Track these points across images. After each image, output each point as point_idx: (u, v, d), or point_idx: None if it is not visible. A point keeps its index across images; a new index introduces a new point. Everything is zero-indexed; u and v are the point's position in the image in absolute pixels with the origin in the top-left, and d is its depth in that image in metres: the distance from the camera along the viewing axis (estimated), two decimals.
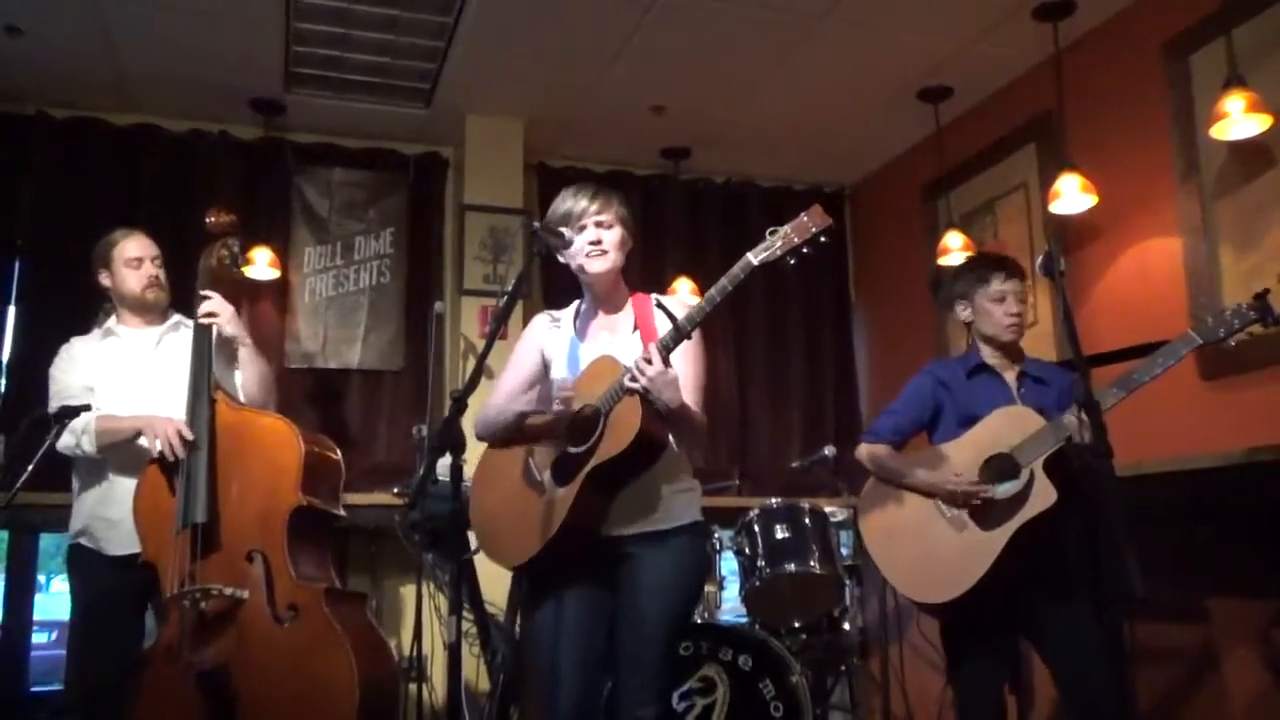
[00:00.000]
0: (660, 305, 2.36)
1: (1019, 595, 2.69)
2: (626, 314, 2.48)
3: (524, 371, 2.54)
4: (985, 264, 2.92)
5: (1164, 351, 2.52)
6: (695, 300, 2.25)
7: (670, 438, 2.34)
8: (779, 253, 2.11)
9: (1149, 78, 3.62)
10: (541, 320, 2.60)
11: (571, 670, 2.32)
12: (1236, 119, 3.10)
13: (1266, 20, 3.23)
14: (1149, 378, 2.52)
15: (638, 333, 2.41)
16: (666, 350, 2.19)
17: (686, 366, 2.34)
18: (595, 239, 2.41)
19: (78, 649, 3.12)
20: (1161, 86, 3.57)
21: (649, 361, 2.16)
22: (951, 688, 2.86)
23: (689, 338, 2.20)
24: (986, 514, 2.69)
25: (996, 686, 2.78)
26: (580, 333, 2.50)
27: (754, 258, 2.13)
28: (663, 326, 2.34)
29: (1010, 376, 2.86)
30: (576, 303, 2.58)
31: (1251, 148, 3.23)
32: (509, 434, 2.46)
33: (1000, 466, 2.70)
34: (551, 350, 2.52)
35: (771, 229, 2.13)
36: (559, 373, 2.46)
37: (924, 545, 2.79)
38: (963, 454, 2.77)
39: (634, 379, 2.17)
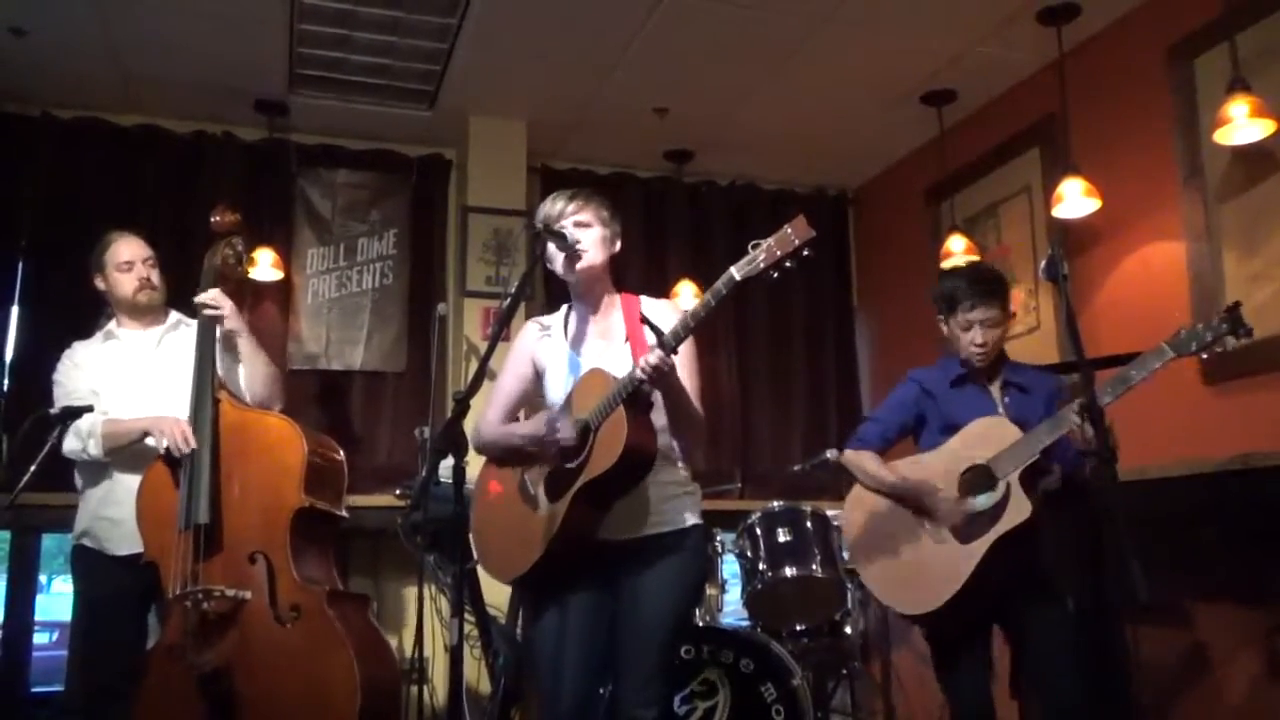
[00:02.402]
0: (645, 320, 2.31)
1: (999, 597, 2.71)
2: (617, 321, 2.48)
3: (517, 383, 2.55)
4: (961, 286, 2.84)
5: (1135, 364, 2.51)
6: (692, 302, 2.24)
7: (662, 447, 2.32)
8: (762, 266, 2.07)
9: (1153, 82, 3.62)
10: (531, 329, 2.59)
11: (573, 675, 2.33)
12: (1240, 124, 3.10)
13: (1270, 25, 3.22)
14: (1124, 389, 2.50)
15: (629, 344, 2.41)
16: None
17: (681, 370, 2.32)
18: (575, 239, 2.41)
19: (80, 649, 3.13)
20: (1165, 91, 3.57)
21: (658, 365, 2.14)
22: (944, 693, 2.87)
23: (675, 352, 2.18)
24: (965, 525, 2.70)
25: (986, 687, 2.79)
26: (575, 343, 2.49)
27: (737, 273, 2.09)
28: (652, 338, 2.31)
29: (993, 387, 2.86)
30: (565, 308, 2.57)
31: (1255, 152, 3.22)
32: (505, 457, 2.47)
33: (977, 478, 2.71)
34: (544, 359, 2.51)
35: (754, 242, 2.09)
36: (555, 384, 2.46)
37: (904, 555, 2.80)
38: (942, 464, 2.78)
39: (645, 373, 2.14)
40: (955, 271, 3.02)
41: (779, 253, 2.06)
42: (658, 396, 2.27)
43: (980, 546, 2.64)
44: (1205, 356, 2.48)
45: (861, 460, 2.92)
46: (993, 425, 2.73)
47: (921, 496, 2.77)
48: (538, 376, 2.53)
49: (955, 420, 2.81)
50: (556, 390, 2.45)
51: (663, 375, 2.14)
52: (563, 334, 2.52)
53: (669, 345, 2.14)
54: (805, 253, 2.06)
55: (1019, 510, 2.60)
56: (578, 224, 2.43)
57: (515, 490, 2.42)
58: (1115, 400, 2.49)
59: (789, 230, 2.06)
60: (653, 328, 2.19)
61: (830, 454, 4.15)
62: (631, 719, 2.27)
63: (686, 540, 2.37)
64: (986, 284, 2.83)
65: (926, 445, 2.89)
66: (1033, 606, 2.69)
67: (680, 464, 2.44)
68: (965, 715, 2.79)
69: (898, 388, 3.04)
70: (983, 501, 2.67)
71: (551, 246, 2.43)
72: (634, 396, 2.18)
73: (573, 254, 2.41)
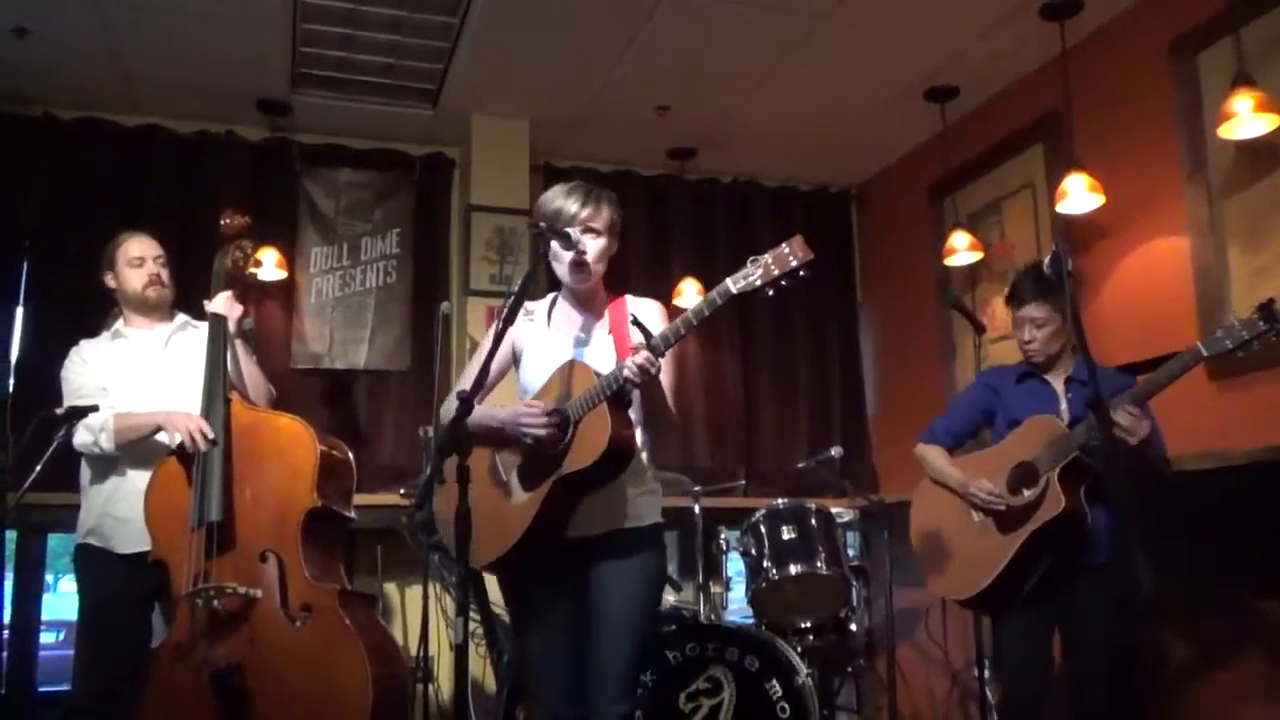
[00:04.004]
0: (636, 322, 2.29)
1: (1050, 585, 2.79)
2: (603, 314, 2.49)
3: (494, 363, 2.50)
4: (1017, 284, 2.99)
5: (1170, 365, 2.58)
6: (695, 300, 2.24)
7: (638, 445, 2.35)
8: (757, 283, 2.11)
9: (1156, 77, 3.61)
10: None
11: (559, 698, 2.35)
12: (1245, 118, 3.10)
13: (1275, 19, 3.21)
14: (1156, 389, 2.62)
15: (611, 336, 2.41)
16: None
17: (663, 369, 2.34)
18: (583, 249, 2.40)
19: (85, 648, 3.13)
20: (1169, 85, 3.56)
21: (645, 366, 2.15)
22: (993, 654, 2.98)
23: (663, 356, 2.19)
24: (1007, 519, 2.84)
25: (1037, 673, 2.84)
26: (558, 331, 2.49)
27: (733, 285, 2.13)
28: (635, 336, 2.28)
29: (1058, 382, 2.96)
30: (552, 295, 2.58)
31: (1259, 147, 3.22)
32: (482, 438, 2.43)
33: (1023, 473, 2.83)
34: (524, 342, 2.52)
35: (752, 257, 2.13)
36: (531, 368, 2.46)
37: (954, 544, 2.98)
38: (996, 460, 2.92)
39: (633, 374, 2.14)
40: (1021, 269, 3.17)
41: (775, 271, 2.10)
42: (636, 393, 2.28)
43: (1016, 539, 2.78)
44: (1240, 355, 2.53)
45: (927, 453, 3.12)
46: (1041, 423, 2.85)
47: (967, 491, 2.92)
48: (515, 359, 2.53)
49: (1018, 416, 2.94)
50: (532, 374, 2.45)
51: (649, 377, 2.16)
52: (545, 320, 2.53)
53: (659, 349, 2.16)
54: (802, 274, 2.09)
55: (1053, 505, 2.72)
56: (588, 230, 2.41)
57: (485, 473, 2.41)
58: (1150, 397, 2.62)
59: (787, 249, 2.09)
60: (643, 330, 2.20)
61: (835, 451, 4.16)
62: (603, 714, 2.27)
63: (649, 537, 2.39)
64: (1037, 285, 2.92)
65: (995, 440, 3.03)
66: (1078, 589, 2.77)
67: (647, 463, 2.45)
68: (1013, 699, 2.88)
69: (969, 385, 3.26)
70: (1025, 495, 2.80)
71: (555, 245, 2.42)
72: (616, 394, 2.20)
73: (580, 262, 2.40)
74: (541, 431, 2.27)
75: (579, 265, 2.40)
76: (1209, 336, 2.58)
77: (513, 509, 2.32)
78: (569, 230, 2.39)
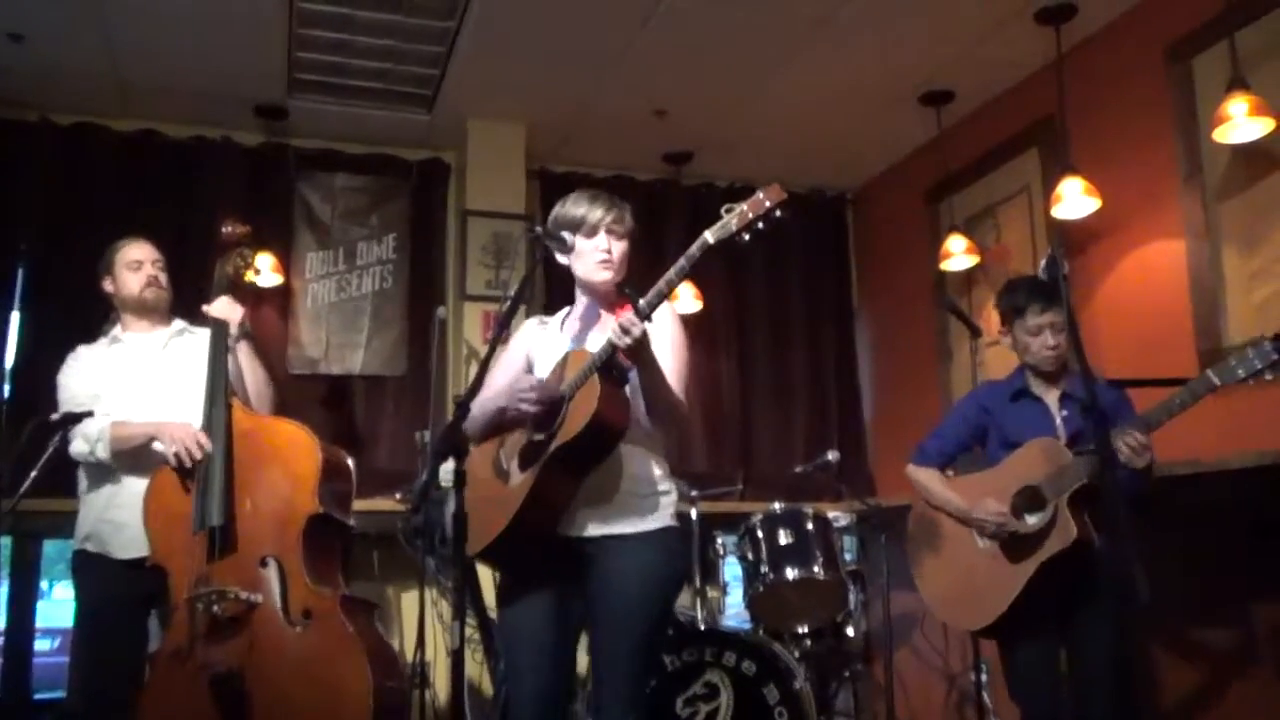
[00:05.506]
0: (629, 295, 2.31)
1: (1060, 610, 2.74)
2: (612, 317, 2.49)
3: (511, 373, 2.55)
4: (1021, 294, 2.89)
5: (1181, 394, 2.51)
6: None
7: (640, 439, 2.35)
8: (734, 229, 2.13)
9: (1152, 81, 3.62)
10: (531, 324, 2.63)
11: (534, 688, 2.34)
12: (1239, 122, 3.10)
13: (1269, 23, 3.23)
14: (1167, 417, 2.53)
15: None
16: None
17: (667, 354, 2.35)
18: (607, 248, 2.43)
19: (82, 655, 3.13)
20: (1164, 90, 3.57)
21: (626, 325, 2.15)
22: (1013, 701, 2.88)
23: (649, 320, 2.20)
24: (1015, 546, 2.75)
25: (1053, 698, 2.78)
26: (571, 335, 2.51)
27: (710, 236, 2.15)
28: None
29: (1052, 400, 2.88)
30: (566, 309, 2.60)
31: (1254, 151, 3.22)
32: (489, 428, 2.46)
33: (1029, 499, 2.74)
34: (538, 351, 2.54)
35: (727, 206, 2.15)
36: (542, 371, 2.47)
37: (959, 571, 2.87)
38: (996, 483, 2.82)
39: (618, 337, 2.15)
40: (1016, 282, 3.04)
41: (750, 215, 2.12)
42: (634, 379, 2.28)
43: (1027, 568, 2.69)
44: (1251, 384, 2.44)
45: (920, 476, 3.02)
46: (1046, 446, 2.76)
47: (971, 517, 2.83)
48: (530, 368, 2.54)
49: (1013, 437, 2.85)
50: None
51: (635, 340, 2.15)
52: (559, 328, 2.55)
53: (643, 311, 2.17)
54: (778, 214, 2.12)
55: (1064, 534, 2.63)
56: (611, 233, 2.43)
57: (490, 465, 2.43)
58: (1167, 422, 2.53)
59: (761, 194, 2.13)
60: (632, 301, 2.21)
61: (831, 455, 4.16)
62: None
63: (654, 541, 2.35)
64: (1050, 289, 2.81)
65: (990, 459, 2.94)
66: (1081, 614, 2.71)
67: (656, 461, 2.43)
68: (1027, 694, 2.80)
69: (959, 403, 3.14)
70: (1032, 523, 2.71)
71: (578, 242, 2.42)
72: (609, 368, 2.22)
73: (606, 259, 2.42)
74: (534, 405, 2.28)
75: (605, 262, 2.42)
76: (1220, 364, 2.48)
77: (509, 492, 2.33)
78: (564, 234, 2.42)
